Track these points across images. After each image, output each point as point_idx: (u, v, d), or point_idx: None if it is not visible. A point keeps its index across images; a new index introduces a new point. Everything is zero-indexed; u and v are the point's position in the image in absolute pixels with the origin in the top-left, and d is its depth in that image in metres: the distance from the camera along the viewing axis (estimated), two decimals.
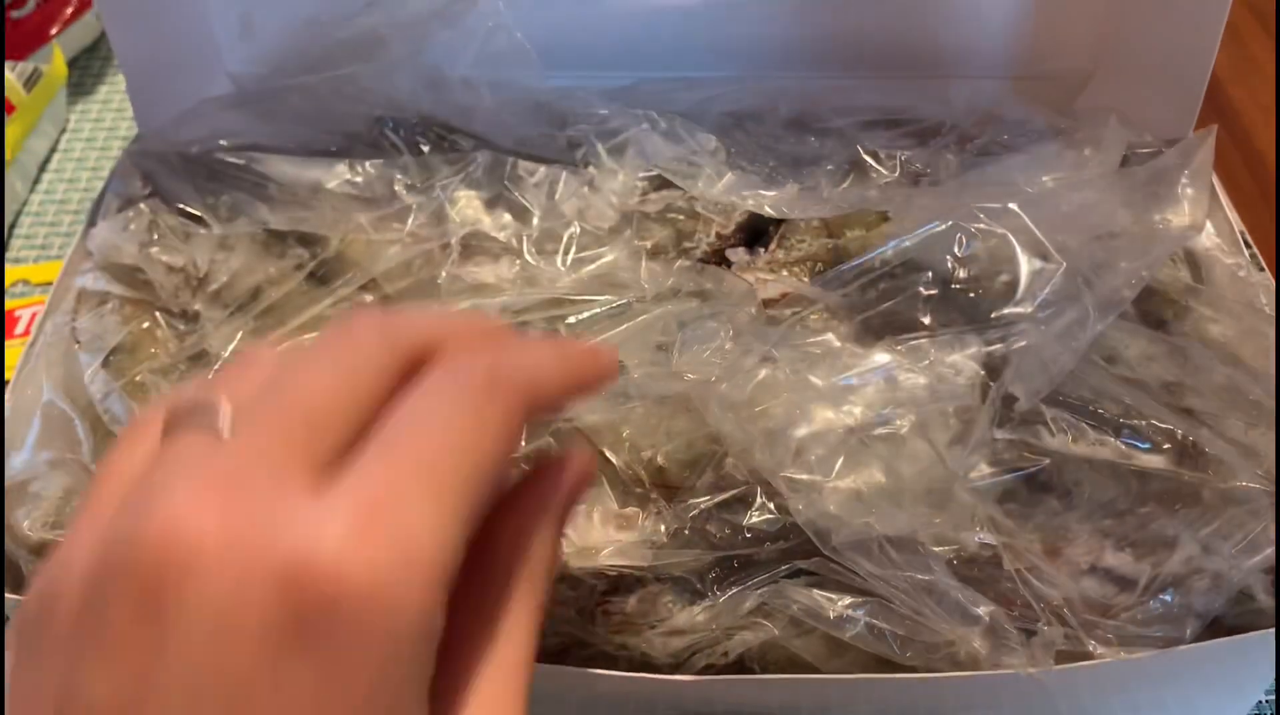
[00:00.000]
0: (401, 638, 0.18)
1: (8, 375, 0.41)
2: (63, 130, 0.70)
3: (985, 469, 0.36)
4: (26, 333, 0.57)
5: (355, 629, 0.17)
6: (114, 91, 0.72)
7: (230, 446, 0.19)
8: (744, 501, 0.35)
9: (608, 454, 0.37)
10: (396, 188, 0.47)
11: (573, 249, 0.45)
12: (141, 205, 0.47)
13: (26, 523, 0.36)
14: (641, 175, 0.47)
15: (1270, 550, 0.34)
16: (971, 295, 0.40)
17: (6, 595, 0.34)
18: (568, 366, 0.23)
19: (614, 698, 0.36)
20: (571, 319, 0.42)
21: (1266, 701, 0.42)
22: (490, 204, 0.47)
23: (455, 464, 0.19)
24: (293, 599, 0.17)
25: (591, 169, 0.48)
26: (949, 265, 0.40)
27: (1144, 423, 0.36)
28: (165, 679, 0.17)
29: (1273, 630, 0.32)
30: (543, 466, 0.25)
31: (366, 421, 0.20)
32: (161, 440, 0.20)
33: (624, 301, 0.42)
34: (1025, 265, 0.39)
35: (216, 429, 0.20)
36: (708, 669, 0.35)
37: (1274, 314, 0.41)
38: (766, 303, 0.41)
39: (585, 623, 0.35)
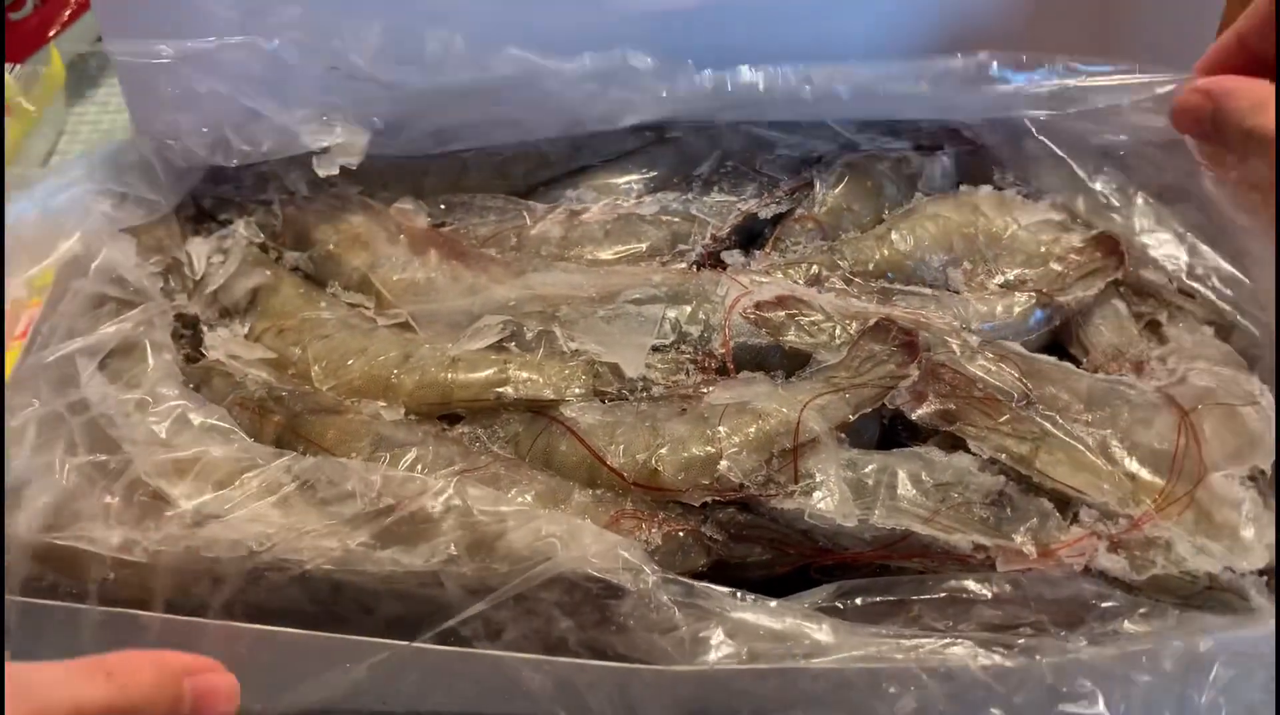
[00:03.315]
0: None
1: (7, 376, 0.41)
2: (61, 132, 0.70)
3: None
4: (24, 335, 0.57)
5: None
6: (112, 94, 0.72)
7: None
8: (738, 505, 0.36)
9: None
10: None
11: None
12: (139, 208, 0.47)
13: (23, 526, 0.36)
14: (636, 178, 0.47)
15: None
16: None
17: (6, 595, 0.34)
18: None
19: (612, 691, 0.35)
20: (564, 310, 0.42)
21: (1266, 702, 0.42)
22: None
23: None
24: None
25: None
26: None
27: None
28: None
29: (1272, 630, 0.32)
30: None
31: None
32: None
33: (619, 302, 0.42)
34: None
35: None
36: None
37: (1275, 313, 0.41)
38: (761, 305, 0.41)
39: (584, 625, 0.35)
